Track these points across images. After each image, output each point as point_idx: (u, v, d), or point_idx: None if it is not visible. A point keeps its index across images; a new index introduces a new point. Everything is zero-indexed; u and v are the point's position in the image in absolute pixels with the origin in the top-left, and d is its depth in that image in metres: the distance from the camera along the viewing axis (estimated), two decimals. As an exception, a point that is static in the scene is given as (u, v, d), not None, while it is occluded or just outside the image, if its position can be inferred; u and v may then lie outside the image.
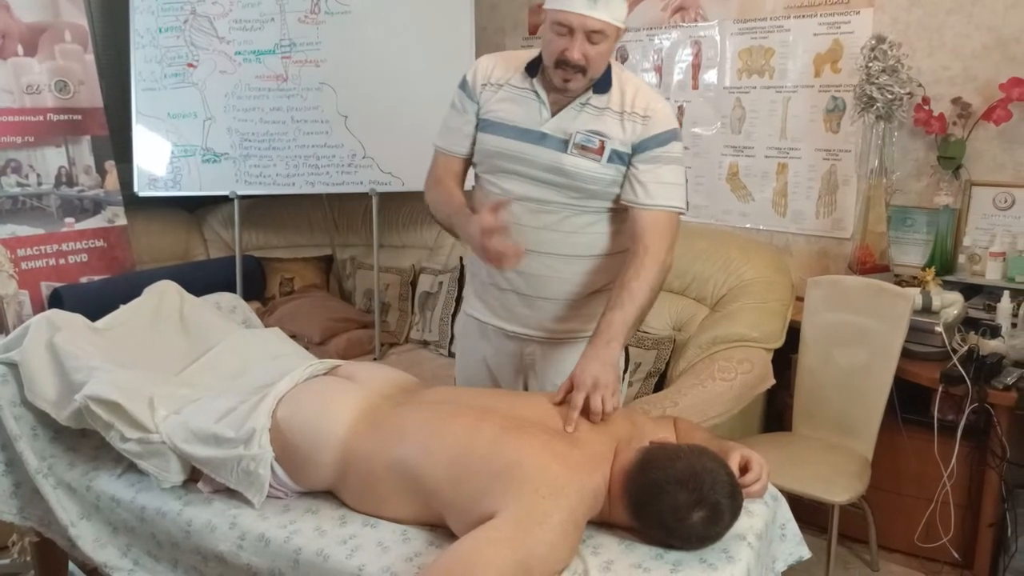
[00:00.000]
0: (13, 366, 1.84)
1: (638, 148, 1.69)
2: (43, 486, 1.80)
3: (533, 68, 1.73)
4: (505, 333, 1.86)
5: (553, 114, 1.70)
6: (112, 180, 3.23)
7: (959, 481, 2.35)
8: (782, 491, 1.62)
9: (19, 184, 3.00)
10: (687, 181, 3.20)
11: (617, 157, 1.69)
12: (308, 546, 1.46)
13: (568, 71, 1.61)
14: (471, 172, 1.88)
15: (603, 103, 1.69)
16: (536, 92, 1.71)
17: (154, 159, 3.26)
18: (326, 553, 1.44)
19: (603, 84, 1.69)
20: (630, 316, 1.62)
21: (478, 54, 3.16)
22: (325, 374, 1.76)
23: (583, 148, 1.68)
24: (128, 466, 1.73)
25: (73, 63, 3.14)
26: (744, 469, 1.48)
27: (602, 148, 1.68)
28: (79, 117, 3.15)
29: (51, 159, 3.09)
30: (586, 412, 1.53)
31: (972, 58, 2.57)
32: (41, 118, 3.06)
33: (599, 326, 1.63)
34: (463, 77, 1.81)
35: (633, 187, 1.70)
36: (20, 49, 3.00)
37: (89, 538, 1.75)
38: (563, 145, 1.69)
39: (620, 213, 1.78)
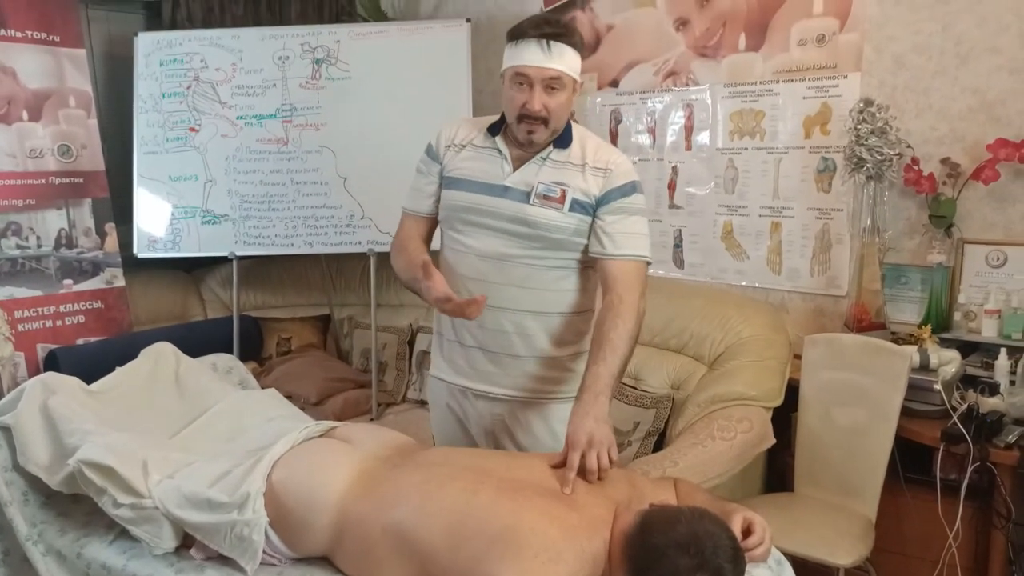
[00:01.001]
0: (6, 430, 1.82)
1: (602, 200, 1.75)
2: (33, 553, 1.76)
3: (495, 128, 1.81)
4: (473, 393, 1.87)
5: (515, 168, 1.77)
6: (112, 242, 3.25)
7: (965, 542, 2.30)
8: (785, 554, 1.60)
9: (19, 246, 3.01)
10: (682, 240, 3.26)
11: (579, 206, 1.74)
12: (302, 615, 1.43)
13: (531, 123, 1.69)
14: (439, 232, 1.94)
15: (564, 157, 1.77)
16: (498, 149, 1.79)
17: (154, 221, 3.29)
18: (320, 622, 1.41)
19: (564, 139, 1.77)
20: (614, 368, 1.63)
21: (475, 117, 3.24)
22: (321, 436, 1.75)
23: (545, 198, 1.74)
24: (120, 532, 1.70)
25: (76, 128, 3.19)
26: (747, 532, 1.46)
27: (563, 196, 1.74)
28: (81, 180, 3.19)
29: (51, 221, 3.11)
30: (583, 472, 1.51)
31: (959, 119, 2.63)
32: (43, 181, 3.09)
33: (585, 381, 1.63)
34: (428, 143, 1.89)
35: (600, 239, 1.75)
36: (25, 114, 3.06)
37: (78, 607, 1.71)
38: (525, 196, 1.75)
39: (587, 270, 1.82)
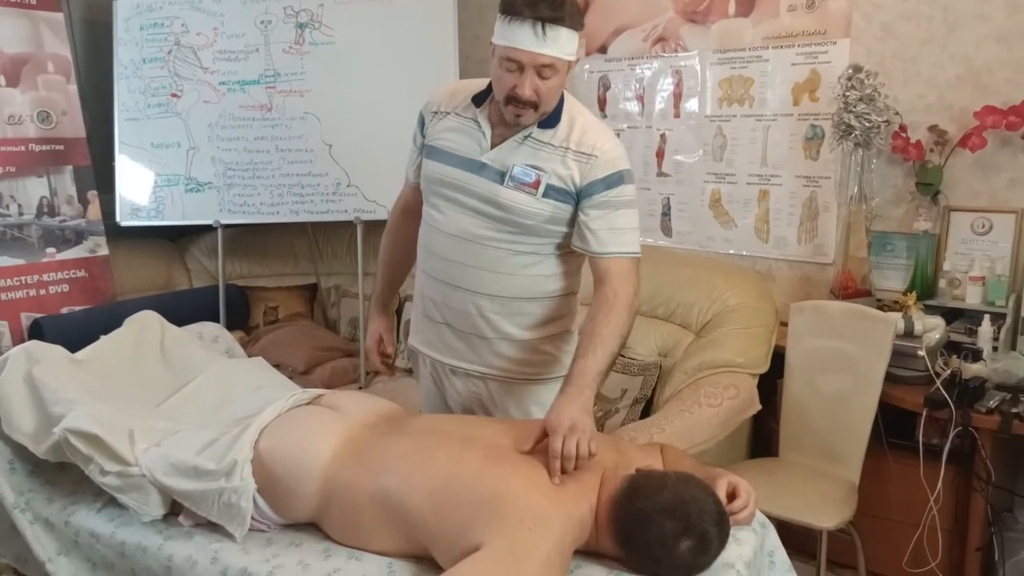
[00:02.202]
0: (-10, 399, 1.81)
1: (584, 192, 1.66)
2: (20, 521, 1.76)
3: (480, 99, 1.73)
4: (449, 368, 1.84)
5: (493, 145, 1.69)
6: (94, 210, 3.22)
7: (946, 505, 2.35)
8: (770, 517, 1.62)
9: (0, 215, 2.97)
10: (671, 208, 3.26)
11: (555, 192, 1.66)
12: (291, 580, 1.44)
13: (519, 107, 1.60)
14: None
15: (546, 138, 1.67)
16: (478, 122, 1.71)
17: (137, 189, 3.25)
18: (310, 587, 1.41)
19: (551, 119, 1.67)
20: (602, 363, 1.58)
21: (462, 84, 3.21)
22: (308, 404, 1.75)
23: (519, 183, 1.66)
24: (108, 500, 1.70)
25: (56, 93, 3.13)
26: (732, 496, 1.48)
27: (537, 182, 1.66)
28: (61, 147, 3.14)
29: (33, 189, 3.07)
30: (562, 458, 1.46)
31: (947, 87, 2.62)
32: (23, 148, 3.04)
33: (571, 373, 1.59)
34: (420, 110, 1.86)
35: (584, 235, 1.67)
36: (2, 80, 3.00)
37: (67, 574, 1.71)
38: (500, 177, 1.68)
39: (565, 256, 1.76)
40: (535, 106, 1.60)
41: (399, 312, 3.47)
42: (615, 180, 1.67)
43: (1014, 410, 2.15)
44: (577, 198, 1.67)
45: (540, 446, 1.50)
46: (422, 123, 1.84)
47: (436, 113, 1.79)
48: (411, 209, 1.92)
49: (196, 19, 3.20)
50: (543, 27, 1.52)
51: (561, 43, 1.56)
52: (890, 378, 2.32)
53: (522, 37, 1.54)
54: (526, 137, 1.67)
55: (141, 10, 3.22)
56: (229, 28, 3.21)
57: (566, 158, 1.67)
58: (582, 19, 1.61)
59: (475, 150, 1.71)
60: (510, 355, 1.79)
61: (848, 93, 2.59)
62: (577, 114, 1.70)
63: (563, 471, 1.45)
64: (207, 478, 1.55)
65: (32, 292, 3.03)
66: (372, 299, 2.03)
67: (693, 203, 3.24)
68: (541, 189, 1.66)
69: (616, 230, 1.67)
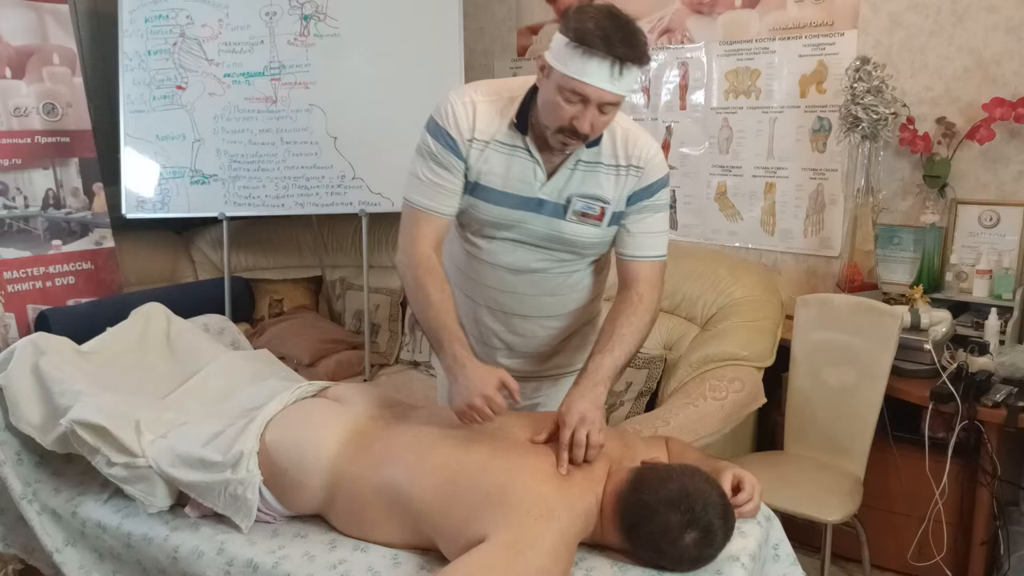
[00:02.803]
0: (-2, 390, 1.82)
1: (630, 200, 1.64)
2: (27, 512, 1.77)
3: (523, 122, 1.57)
4: None
5: (548, 176, 1.60)
6: (100, 202, 3.22)
7: (951, 499, 2.34)
8: (775, 511, 1.62)
9: (6, 207, 2.98)
10: (676, 201, 3.25)
11: (615, 217, 1.65)
12: (297, 571, 1.45)
13: (571, 137, 1.50)
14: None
15: (594, 156, 1.60)
16: (530, 151, 1.59)
17: (142, 181, 3.25)
18: (315, 578, 1.42)
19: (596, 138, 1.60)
20: (619, 362, 1.60)
21: (466, 76, 3.19)
22: (314, 396, 1.75)
23: (583, 215, 1.61)
24: (114, 491, 1.71)
25: (61, 86, 3.13)
26: (736, 489, 1.48)
27: (602, 214, 1.62)
28: (67, 139, 3.15)
29: (38, 181, 3.07)
30: (571, 448, 1.48)
31: (954, 79, 2.61)
32: (29, 140, 3.05)
33: (587, 367, 1.60)
34: (437, 124, 1.61)
35: (622, 238, 1.67)
36: (8, 72, 3.00)
37: (74, 565, 1.72)
38: (561, 210, 1.61)
39: (599, 260, 1.78)
40: (586, 138, 1.52)
41: (404, 305, 3.47)
42: (658, 187, 1.65)
43: (1020, 404, 2.14)
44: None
45: (551, 438, 1.52)
46: (454, 150, 1.59)
47: (472, 141, 1.59)
48: (440, 243, 1.67)
49: (201, 11, 3.20)
50: (620, 67, 1.42)
51: (631, 81, 1.47)
52: (896, 371, 2.32)
53: (595, 73, 1.42)
54: (577, 162, 1.60)
55: (146, 2, 3.21)
56: (234, 20, 3.20)
57: (619, 175, 1.62)
58: (649, 53, 1.50)
59: (530, 185, 1.60)
60: (547, 358, 1.83)
61: (855, 85, 2.57)
62: (614, 122, 1.60)
63: (571, 461, 1.46)
64: (213, 469, 1.56)
65: (38, 284, 3.04)
66: (451, 345, 1.56)
67: (699, 196, 3.23)
68: (607, 219, 1.63)
69: (651, 234, 1.67)
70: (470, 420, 1.50)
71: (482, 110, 1.59)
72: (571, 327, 1.81)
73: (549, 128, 1.51)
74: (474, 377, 1.50)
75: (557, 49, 1.46)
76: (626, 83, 1.45)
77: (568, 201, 1.61)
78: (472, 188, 1.62)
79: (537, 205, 1.61)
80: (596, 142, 1.60)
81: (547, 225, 1.62)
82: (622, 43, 1.41)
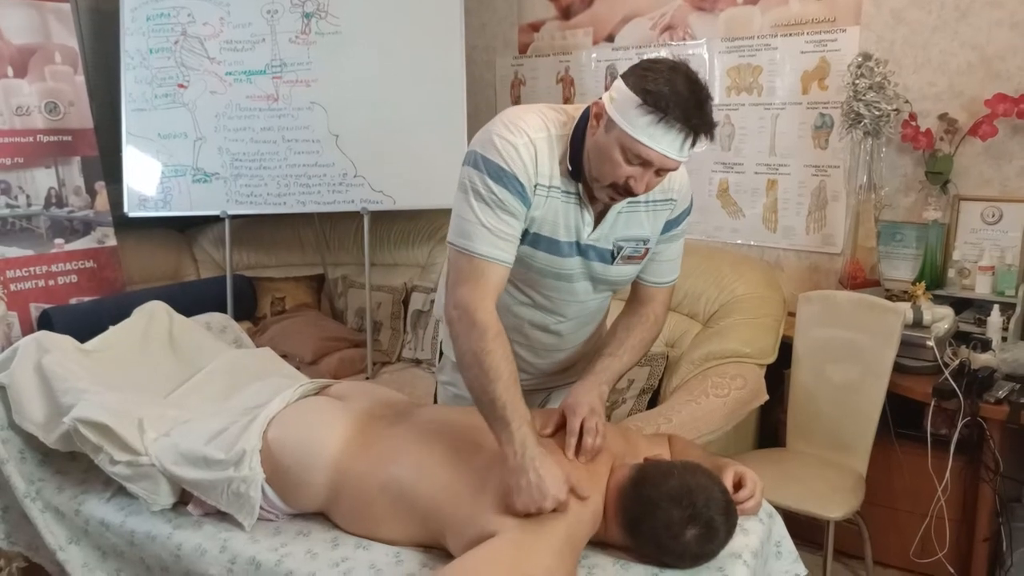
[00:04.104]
0: (1, 389, 1.82)
1: (663, 230, 1.63)
2: (31, 510, 1.78)
3: (577, 170, 1.47)
4: None
5: (596, 223, 1.54)
6: (102, 201, 3.22)
7: (953, 495, 2.34)
8: (777, 508, 1.62)
9: (8, 205, 2.99)
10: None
11: (651, 251, 1.64)
12: (300, 569, 1.45)
13: (620, 194, 1.44)
14: None
15: (634, 197, 1.51)
16: (580, 198, 1.50)
17: (144, 179, 3.25)
18: (318, 576, 1.42)
19: None
20: (624, 368, 1.65)
21: (468, 73, 3.19)
22: (316, 394, 1.75)
23: (629, 258, 1.59)
24: (117, 489, 1.72)
25: (63, 84, 3.14)
26: (738, 486, 1.48)
27: (646, 253, 1.61)
28: (69, 138, 3.15)
29: (41, 180, 3.08)
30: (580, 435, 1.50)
31: (957, 75, 2.60)
32: (31, 139, 3.05)
33: (594, 366, 1.63)
34: (500, 167, 1.43)
35: (647, 266, 1.66)
36: (10, 71, 3.01)
37: (78, 563, 1.73)
38: (607, 256, 1.57)
39: None
40: (635, 195, 1.45)
41: (406, 303, 3.47)
42: (684, 215, 1.65)
43: (1023, 400, 2.14)
44: None
45: (558, 430, 1.53)
46: (522, 196, 1.45)
47: (538, 186, 1.47)
48: (499, 295, 1.51)
49: (202, 9, 3.20)
50: (694, 139, 1.35)
51: (697, 149, 1.39)
52: (898, 368, 2.31)
53: (665, 141, 1.34)
54: (622, 206, 1.54)
55: (147, 0, 3.22)
56: (235, 18, 3.20)
57: (656, 211, 1.58)
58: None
59: (578, 231, 1.53)
60: (561, 370, 1.82)
61: (858, 81, 2.57)
62: None
63: (581, 448, 1.47)
64: (216, 467, 1.56)
65: (41, 283, 3.04)
66: (520, 430, 1.38)
67: (701, 193, 3.22)
68: (648, 256, 1.63)
69: (672, 260, 1.69)
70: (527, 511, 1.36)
71: (541, 150, 1.46)
72: (589, 344, 1.81)
73: (599, 182, 1.43)
74: (548, 477, 1.34)
75: (624, 104, 1.35)
76: (691, 151, 1.38)
77: (616, 247, 1.56)
78: (525, 236, 1.51)
79: (584, 251, 1.55)
80: None
81: (593, 270, 1.58)
82: (698, 114, 1.33)
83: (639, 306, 1.70)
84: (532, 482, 1.33)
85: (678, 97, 1.32)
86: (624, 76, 1.38)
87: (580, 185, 1.49)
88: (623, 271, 1.61)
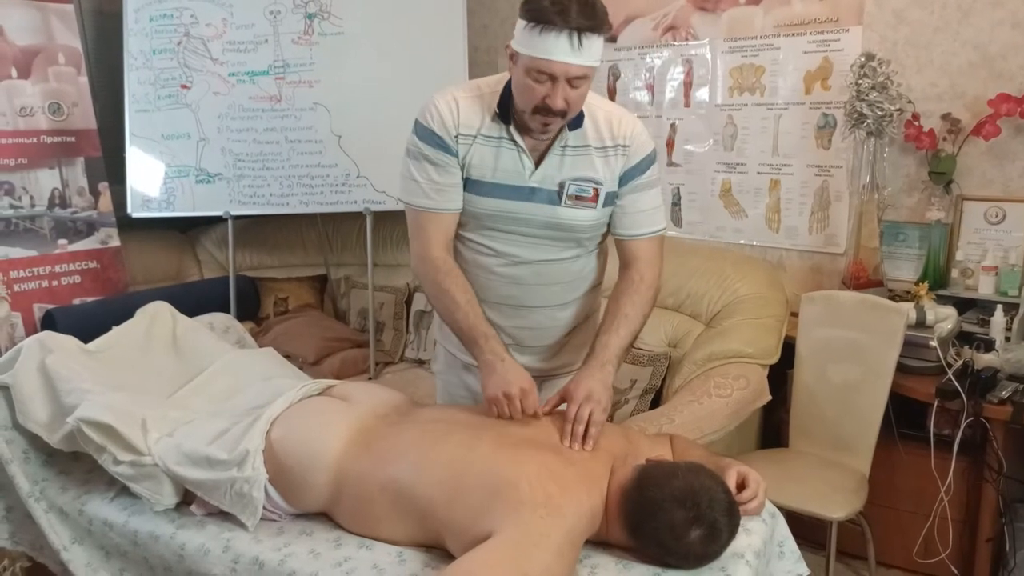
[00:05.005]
0: (5, 389, 1.83)
1: (621, 180, 1.67)
2: (35, 510, 1.78)
3: (505, 114, 1.60)
4: None
5: (536, 164, 1.62)
6: (105, 201, 3.23)
7: (956, 496, 2.34)
8: (780, 508, 1.62)
9: (12, 206, 2.99)
10: (680, 198, 3.25)
11: (609, 197, 1.67)
12: (303, 569, 1.45)
13: (548, 116, 1.52)
14: None
15: (580, 140, 1.62)
16: (515, 141, 1.61)
17: (148, 180, 3.26)
18: (321, 576, 1.42)
19: (577, 119, 1.61)
20: (625, 341, 1.65)
21: (470, 74, 3.19)
22: (319, 394, 1.75)
23: (577, 198, 1.63)
24: (121, 489, 1.72)
25: (67, 85, 3.14)
26: (741, 486, 1.48)
27: (596, 195, 1.64)
28: (73, 139, 3.16)
29: (44, 181, 3.08)
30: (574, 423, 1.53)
31: (960, 75, 2.60)
32: (35, 140, 3.06)
33: (594, 348, 1.64)
34: (423, 125, 1.63)
35: (619, 219, 1.70)
36: (14, 72, 3.01)
37: (81, 563, 1.73)
38: (555, 197, 1.63)
39: (600, 246, 1.79)
40: (564, 115, 1.53)
41: (408, 303, 3.48)
42: (647, 163, 1.68)
43: (1027, 400, 2.14)
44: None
45: (549, 440, 1.54)
46: (444, 147, 1.61)
47: (459, 137, 1.61)
48: (451, 241, 1.70)
49: (205, 10, 3.20)
50: (579, 37, 1.43)
51: (594, 51, 1.48)
52: (901, 368, 2.31)
53: (555, 48, 1.44)
54: (564, 147, 1.62)
55: (151, 1, 3.22)
56: (238, 19, 3.21)
57: (607, 155, 1.64)
58: (609, 21, 1.53)
59: (519, 174, 1.62)
60: (556, 353, 1.83)
61: (860, 81, 2.57)
62: (594, 106, 1.64)
63: (573, 437, 1.51)
64: (219, 467, 1.56)
65: (44, 283, 3.05)
66: (487, 341, 1.61)
67: (703, 193, 3.22)
68: (601, 200, 1.65)
69: (645, 212, 1.70)
70: (499, 409, 1.55)
71: (464, 106, 1.62)
72: (577, 317, 1.82)
73: (525, 111, 1.54)
74: (513, 371, 1.57)
75: (519, 33, 1.49)
76: (589, 54, 1.47)
77: (561, 186, 1.63)
78: (465, 184, 1.65)
79: (529, 193, 1.63)
80: (579, 124, 1.62)
81: (542, 212, 1.64)
82: (579, 15, 1.43)
83: (625, 269, 1.72)
84: (499, 372, 1.55)
85: (555, 5, 1.42)
86: (519, 10, 1.50)
87: (511, 128, 1.60)
88: (575, 214, 1.64)
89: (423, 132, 1.63)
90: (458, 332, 1.66)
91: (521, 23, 1.48)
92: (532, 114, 1.53)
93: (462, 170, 1.63)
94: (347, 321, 3.67)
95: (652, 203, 1.71)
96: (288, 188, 3.24)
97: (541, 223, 1.65)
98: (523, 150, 1.61)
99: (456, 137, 1.61)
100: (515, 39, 1.51)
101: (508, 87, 1.59)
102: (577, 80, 1.49)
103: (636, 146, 1.66)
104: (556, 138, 1.61)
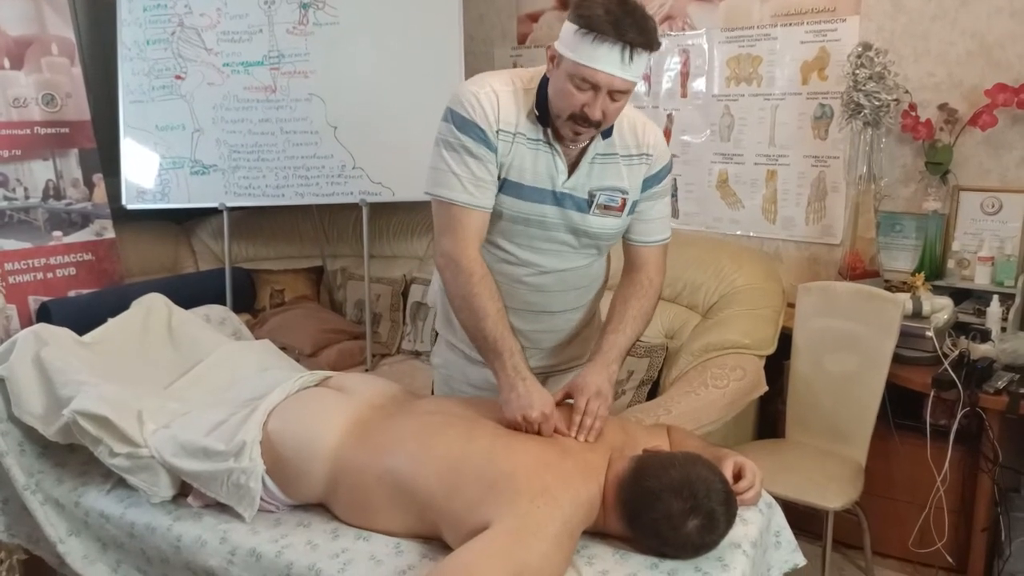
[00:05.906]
0: (0, 381, 1.82)
1: (643, 187, 1.67)
2: (31, 502, 1.78)
3: (544, 115, 1.55)
4: None
5: (570, 170, 1.60)
6: (100, 193, 3.21)
7: (952, 486, 2.35)
8: (776, 498, 1.62)
9: (6, 198, 2.97)
10: (677, 189, 3.24)
11: (633, 206, 1.68)
12: (300, 560, 1.45)
13: (583, 125, 1.50)
14: None
15: (609, 148, 1.62)
16: (552, 147, 1.58)
17: (142, 172, 3.24)
18: (318, 568, 1.42)
19: (608, 128, 1.59)
20: (630, 341, 1.68)
21: (466, 64, 3.18)
22: (316, 386, 1.75)
23: (606, 208, 1.62)
24: (117, 481, 1.72)
25: (60, 76, 3.12)
26: (738, 476, 1.48)
27: (623, 205, 1.64)
28: (66, 130, 3.14)
29: (38, 172, 3.07)
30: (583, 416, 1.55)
31: (957, 64, 2.59)
32: (28, 131, 3.04)
33: (601, 345, 1.66)
34: (463, 117, 1.55)
35: (634, 225, 1.71)
36: (6, 62, 2.99)
37: (78, 555, 1.73)
38: (584, 204, 1.61)
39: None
40: (598, 126, 1.51)
41: (405, 295, 3.47)
42: (664, 173, 1.70)
43: (1022, 391, 2.15)
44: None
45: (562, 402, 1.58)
46: (485, 141, 1.55)
47: (501, 133, 1.56)
48: (482, 240, 1.63)
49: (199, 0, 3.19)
50: (631, 52, 1.41)
51: (641, 67, 1.46)
52: (898, 359, 2.32)
53: (605, 59, 1.41)
54: (595, 156, 1.61)
55: (144, -9, 3.20)
56: (232, 9, 3.18)
57: (632, 164, 1.64)
58: (659, 39, 1.49)
59: (552, 179, 1.59)
60: (562, 351, 1.84)
61: (857, 71, 2.56)
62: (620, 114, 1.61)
63: (582, 428, 1.53)
64: (216, 459, 1.56)
65: (39, 275, 3.04)
66: (511, 357, 1.56)
67: (700, 184, 3.22)
68: (627, 209, 1.66)
69: (659, 219, 1.72)
70: (518, 429, 1.53)
71: (504, 100, 1.56)
72: (586, 317, 1.84)
73: (560, 116, 1.51)
74: (536, 392, 1.53)
75: (566, 37, 1.45)
76: (636, 69, 1.45)
77: (591, 195, 1.62)
78: (502, 184, 1.59)
79: (559, 199, 1.61)
80: (608, 133, 1.60)
81: (570, 220, 1.62)
82: (632, 28, 1.40)
83: (634, 273, 1.74)
84: (521, 394, 1.51)
85: (611, 16, 1.40)
86: (568, 13, 1.46)
87: (548, 131, 1.56)
88: (604, 223, 1.64)
89: (463, 123, 1.55)
90: (479, 340, 1.58)
91: (571, 27, 1.44)
92: (566, 120, 1.50)
93: (499, 169, 1.58)
94: (343, 313, 3.67)
95: (664, 211, 1.74)
96: (284, 179, 3.22)
97: (567, 228, 1.64)
98: (559, 155, 1.59)
99: (497, 132, 1.56)
100: (561, 41, 1.47)
101: (542, 87, 1.55)
102: (618, 93, 1.47)
103: (658, 155, 1.67)
104: (589, 146, 1.59)
